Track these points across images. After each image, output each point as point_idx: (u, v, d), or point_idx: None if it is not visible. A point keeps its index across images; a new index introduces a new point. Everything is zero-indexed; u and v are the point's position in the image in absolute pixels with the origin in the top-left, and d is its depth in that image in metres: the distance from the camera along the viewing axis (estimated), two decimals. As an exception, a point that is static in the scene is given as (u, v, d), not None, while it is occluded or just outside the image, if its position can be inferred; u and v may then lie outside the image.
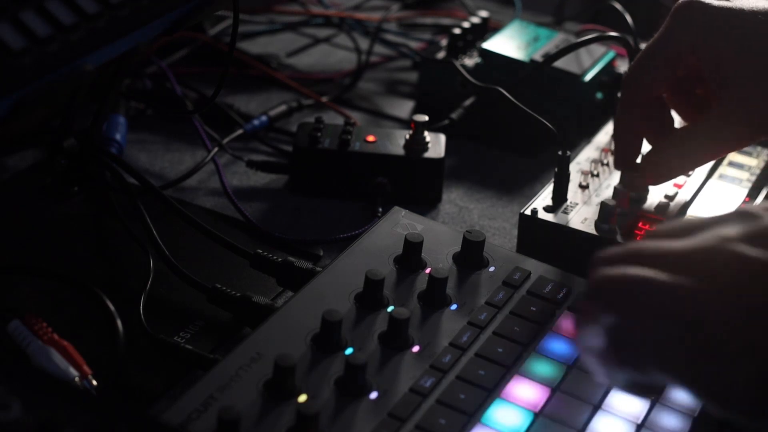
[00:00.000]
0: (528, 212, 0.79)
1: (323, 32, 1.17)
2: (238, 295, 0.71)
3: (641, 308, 0.50)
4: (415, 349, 0.64)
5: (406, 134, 0.87)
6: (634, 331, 0.50)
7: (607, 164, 0.85)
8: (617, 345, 0.51)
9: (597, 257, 0.53)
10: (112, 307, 0.69)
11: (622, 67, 0.98)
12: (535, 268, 0.72)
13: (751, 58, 0.73)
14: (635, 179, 0.80)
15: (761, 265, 0.49)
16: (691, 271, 0.50)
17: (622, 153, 0.80)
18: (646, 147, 0.81)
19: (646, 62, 0.77)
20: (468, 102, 0.95)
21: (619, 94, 0.90)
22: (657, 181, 0.80)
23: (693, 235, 0.52)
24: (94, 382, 0.64)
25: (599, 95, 0.98)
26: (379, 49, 1.12)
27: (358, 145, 0.87)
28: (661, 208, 0.79)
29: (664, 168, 0.78)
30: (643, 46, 1.01)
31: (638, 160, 0.81)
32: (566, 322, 0.68)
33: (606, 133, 0.90)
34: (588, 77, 0.95)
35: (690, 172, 0.84)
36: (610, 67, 0.99)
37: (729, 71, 0.74)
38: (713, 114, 0.75)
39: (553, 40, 0.99)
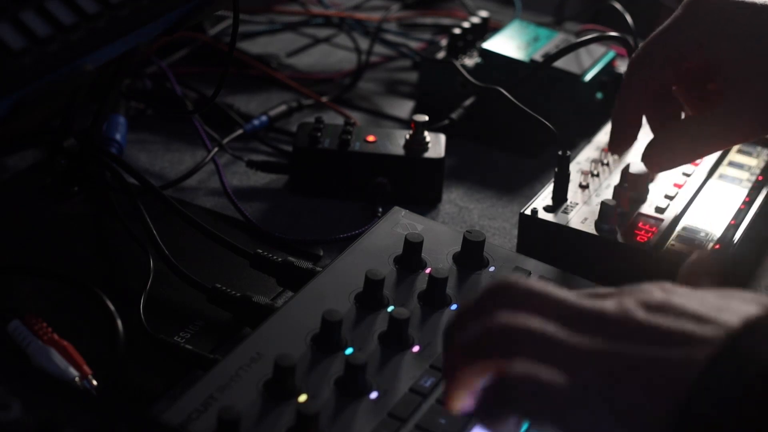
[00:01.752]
0: (528, 212, 0.79)
1: (323, 32, 1.17)
2: (238, 295, 0.71)
3: (537, 360, 0.49)
4: (415, 349, 0.64)
5: (406, 134, 0.87)
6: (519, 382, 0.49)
7: (607, 164, 0.85)
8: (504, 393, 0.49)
9: (492, 288, 0.52)
10: (112, 307, 0.69)
11: (622, 67, 0.98)
12: (535, 268, 0.72)
13: (756, 55, 0.73)
14: (635, 178, 0.80)
15: (660, 328, 0.48)
16: (593, 330, 0.49)
17: (616, 137, 0.81)
18: (645, 139, 0.81)
19: (648, 51, 0.78)
20: (468, 102, 0.95)
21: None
22: (661, 168, 0.80)
23: (591, 298, 0.51)
24: (94, 382, 0.64)
25: (599, 95, 0.98)
26: (379, 49, 1.12)
27: (358, 145, 0.87)
28: (661, 208, 0.79)
29: (669, 155, 0.78)
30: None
31: (631, 148, 0.82)
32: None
33: (606, 133, 0.90)
34: (588, 77, 0.95)
35: (695, 163, 0.83)
36: (610, 67, 0.99)
37: (736, 68, 0.74)
38: (721, 110, 0.75)
39: (553, 40, 0.99)
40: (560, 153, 0.80)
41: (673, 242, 0.77)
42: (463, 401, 0.51)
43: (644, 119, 0.81)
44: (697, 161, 0.86)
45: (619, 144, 0.81)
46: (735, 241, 0.77)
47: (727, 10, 0.75)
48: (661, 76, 0.78)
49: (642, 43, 0.78)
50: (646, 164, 0.80)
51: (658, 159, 0.79)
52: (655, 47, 0.77)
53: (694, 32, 0.75)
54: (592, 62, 0.96)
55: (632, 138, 0.81)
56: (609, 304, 0.50)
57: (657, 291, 0.51)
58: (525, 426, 0.60)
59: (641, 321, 0.49)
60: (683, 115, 0.82)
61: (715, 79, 0.76)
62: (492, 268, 0.71)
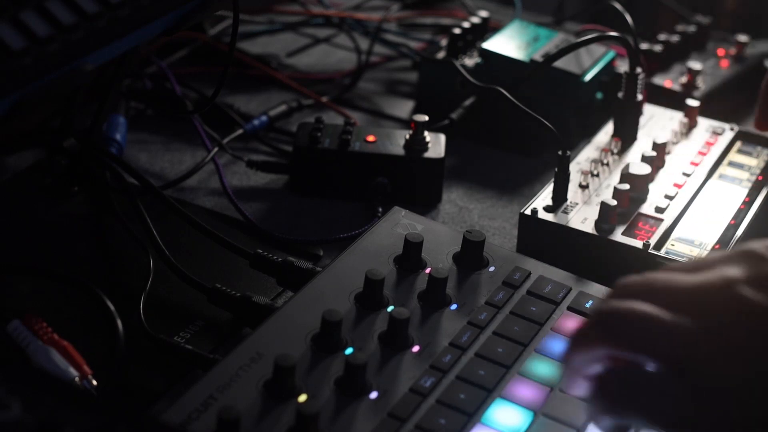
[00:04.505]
0: (528, 212, 0.79)
1: (323, 32, 1.17)
2: (238, 295, 0.71)
3: (638, 344, 0.52)
4: (415, 349, 0.64)
5: (406, 134, 0.87)
6: (624, 371, 0.52)
7: (607, 164, 0.85)
8: (608, 382, 0.53)
9: (615, 286, 0.55)
10: (112, 307, 0.69)
11: (622, 67, 0.98)
12: (535, 268, 0.72)
13: None
14: (635, 179, 0.80)
15: (761, 310, 0.50)
16: (693, 310, 0.51)
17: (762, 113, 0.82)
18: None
19: None
20: (468, 102, 0.95)
21: (619, 94, 0.90)
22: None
23: (701, 272, 0.53)
24: (94, 382, 0.64)
25: (599, 95, 0.98)
26: (379, 49, 1.12)
27: (358, 145, 0.87)
28: (661, 208, 0.79)
29: None
30: (643, 46, 1.01)
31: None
32: (568, 322, 0.68)
33: (606, 133, 0.90)
34: (588, 77, 0.95)
35: (694, 163, 0.83)
36: (610, 67, 0.99)
37: None
38: None
39: (553, 40, 0.99)
40: (560, 153, 0.80)
41: (673, 242, 0.77)
42: (576, 385, 0.55)
43: None
44: (697, 161, 0.86)
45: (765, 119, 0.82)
46: (735, 241, 0.77)
47: None
48: None
49: None
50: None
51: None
52: None
53: None
54: (592, 62, 0.96)
55: None
56: (714, 278, 0.52)
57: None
58: (525, 426, 0.60)
59: (746, 301, 0.50)
60: None
61: None
62: (492, 268, 0.71)
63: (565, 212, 0.79)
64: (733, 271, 0.52)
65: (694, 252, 0.75)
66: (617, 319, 0.52)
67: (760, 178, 0.85)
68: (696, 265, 0.54)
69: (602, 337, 0.53)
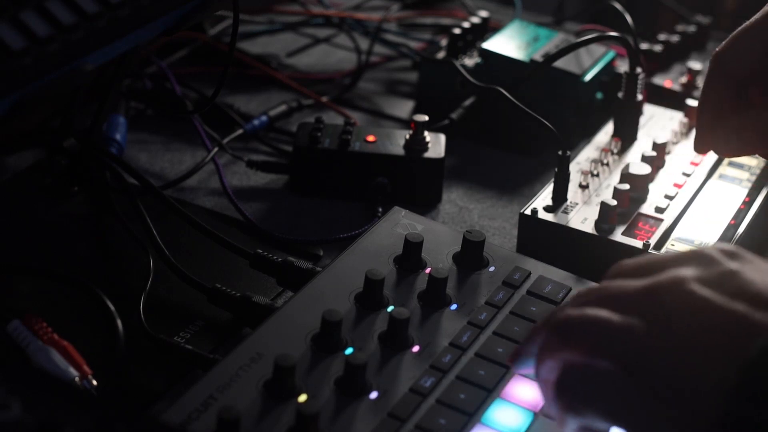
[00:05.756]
0: (528, 212, 0.79)
1: (323, 32, 1.17)
2: (238, 295, 0.71)
3: (591, 347, 0.53)
4: (415, 349, 0.64)
5: (406, 134, 0.87)
6: (579, 372, 0.54)
7: (607, 164, 0.85)
8: (564, 384, 0.54)
9: (572, 296, 0.57)
10: (112, 307, 0.69)
11: (622, 67, 0.98)
12: (535, 268, 0.72)
13: None
14: (635, 179, 0.80)
15: (710, 306, 0.51)
16: (644, 310, 0.52)
17: (702, 136, 0.79)
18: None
19: (733, 46, 0.76)
20: (468, 102, 0.95)
21: (619, 94, 0.90)
22: (700, 150, 0.80)
23: (653, 274, 0.54)
24: (94, 382, 0.64)
25: (599, 95, 0.98)
26: (379, 49, 1.12)
27: (358, 145, 0.87)
28: (661, 208, 0.79)
29: (711, 138, 0.78)
30: (643, 46, 1.01)
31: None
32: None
33: (606, 133, 0.90)
34: (588, 77, 0.95)
35: (694, 163, 0.83)
36: (610, 67, 0.99)
37: None
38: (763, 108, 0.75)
39: (553, 40, 0.99)
40: (560, 153, 0.80)
41: (673, 242, 0.77)
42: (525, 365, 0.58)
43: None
44: (697, 161, 0.86)
45: (705, 144, 0.80)
46: (735, 241, 0.77)
47: None
48: (746, 69, 0.76)
49: (730, 36, 0.77)
50: (697, 145, 0.79)
51: (709, 142, 0.78)
52: (743, 39, 0.76)
53: None
54: (592, 62, 0.96)
55: (718, 134, 0.79)
56: (664, 278, 0.53)
57: (721, 258, 0.53)
58: (525, 426, 0.60)
59: (696, 296, 0.51)
60: None
61: None
62: (492, 268, 0.71)
63: (565, 212, 0.79)
64: (684, 271, 0.53)
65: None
66: (571, 326, 0.54)
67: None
68: (649, 266, 0.55)
69: (561, 344, 0.55)
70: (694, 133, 0.81)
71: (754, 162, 0.87)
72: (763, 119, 0.76)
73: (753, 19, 0.76)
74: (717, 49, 0.78)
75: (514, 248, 0.80)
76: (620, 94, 0.90)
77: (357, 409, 0.59)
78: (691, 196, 0.82)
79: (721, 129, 0.78)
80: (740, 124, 0.77)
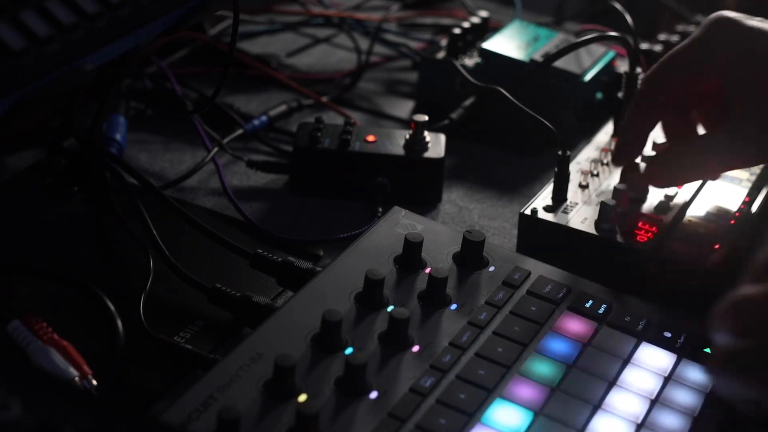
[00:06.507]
0: (528, 212, 0.79)
1: (323, 32, 1.17)
2: (238, 295, 0.71)
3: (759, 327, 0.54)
4: (415, 349, 0.64)
5: (406, 134, 0.87)
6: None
7: (607, 164, 0.85)
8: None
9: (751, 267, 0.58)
10: (112, 307, 0.69)
11: (622, 67, 0.98)
12: (535, 268, 0.72)
13: None
14: (637, 179, 0.80)
15: None
16: None
17: (624, 150, 0.81)
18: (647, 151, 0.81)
19: (667, 66, 0.77)
20: (468, 102, 0.95)
21: (619, 94, 0.90)
22: (661, 185, 0.80)
23: None
24: (94, 382, 0.64)
25: (599, 95, 0.98)
26: (379, 49, 1.12)
27: (358, 145, 0.87)
28: (661, 208, 0.79)
29: (669, 173, 0.78)
30: (643, 46, 1.01)
31: (637, 160, 0.81)
32: (568, 322, 0.68)
33: (606, 133, 0.90)
34: (588, 77, 0.95)
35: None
36: (610, 67, 0.99)
37: (749, 90, 0.73)
38: (725, 128, 0.75)
39: (553, 40, 0.99)
40: (560, 153, 0.80)
41: (673, 242, 0.77)
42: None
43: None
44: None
45: (624, 158, 0.81)
46: (735, 241, 0.77)
47: (749, 36, 0.74)
48: (674, 94, 0.78)
49: (659, 61, 0.78)
50: (648, 178, 0.80)
51: (661, 174, 0.79)
52: (671, 65, 0.77)
53: (713, 54, 0.75)
54: (592, 62, 0.96)
55: (638, 152, 0.81)
56: None
57: None
58: (525, 426, 0.60)
59: None
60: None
61: (726, 101, 0.76)
62: (492, 268, 0.71)
63: (565, 212, 0.79)
64: None
65: (695, 252, 0.75)
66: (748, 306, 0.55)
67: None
68: None
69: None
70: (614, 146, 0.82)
71: (755, 166, 0.87)
72: (714, 142, 0.76)
73: (682, 45, 0.77)
74: (647, 72, 0.79)
75: (514, 248, 0.80)
76: (620, 94, 0.90)
77: (357, 409, 0.59)
78: (691, 196, 0.82)
79: (662, 161, 0.79)
80: (690, 153, 0.77)
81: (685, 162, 0.77)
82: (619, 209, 0.78)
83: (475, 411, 0.60)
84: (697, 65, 0.76)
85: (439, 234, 0.74)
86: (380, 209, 0.84)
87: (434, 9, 1.22)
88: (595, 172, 0.83)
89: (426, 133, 0.87)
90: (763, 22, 0.75)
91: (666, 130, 0.81)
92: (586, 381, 0.63)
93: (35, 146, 0.89)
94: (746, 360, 0.54)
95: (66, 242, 0.80)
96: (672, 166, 0.78)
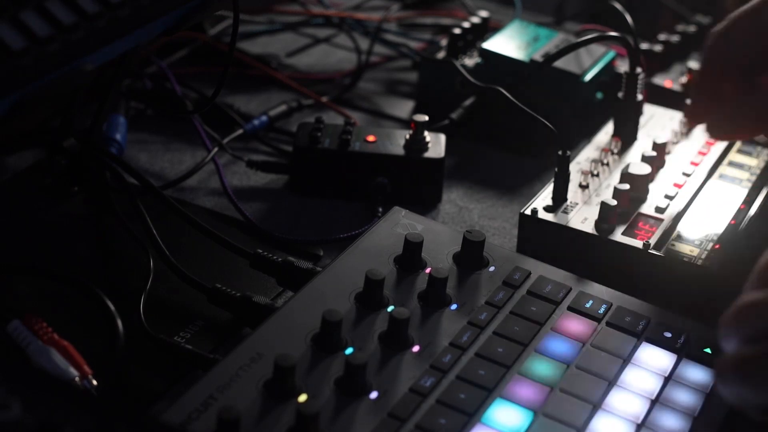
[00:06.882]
0: (528, 212, 0.79)
1: (323, 32, 1.17)
2: (238, 295, 0.71)
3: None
4: (415, 349, 0.64)
5: (406, 134, 0.87)
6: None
7: (607, 164, 0.85)
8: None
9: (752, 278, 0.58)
10: (112, 307, 0.69)
11: (622, 67, 0.98)
12: (535, 268, 0.72)
13: None
14: (635, 179, 0.80)
15: None
16: None
17: (697, 108, 0.78)
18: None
19: (739, 23, 0.75)
20: (468, 102, 0.95)
21: (619, 94, 0.90)
22: (719, 137, 0.79)
23: None
24: (94, 382, 0.64)
25: (599, 95, 0.98)
26: (379, 49, 1.12)
27: (358, 145, 0.87)
28: (661, 208, 0.79)
29: (728, 126, 0.77)
30: (643, 46, 1.01)
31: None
32: (568, 322, 0.68)
33: (606, 133, 0.90)
34: (588, 77, 0.95)
35: (694, 162, 0.82)
36: (610, 67, 0.99)
37: None
38: None
39: (553, 40, 0.99)
40: (560, 153, 0.80)
41: (673, 242, 0.77)
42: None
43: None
44: (697, 161, 0.86)
45: (698, 115, 0.78)
46: (735, 241, 0.77)
47: None
48: (745, 51, 0.75)
49: (728, 17, 0.76)
50: (708, 131, 0.78)
51: (718, 127, 0.77)
52: (743, 21, 0.75)
53: None
54: (592, 62, 0.96)
55: (712, 111, 0.78)
56: None
57: None
58: (525, 426, 0.60)
59: None
60: None
61: None
62: (492, 268, 0.71)
63: (565, 212, 0.79)
64: None
65: (695, 252, 0.75)
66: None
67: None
68: None
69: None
70: (689, 102, 0.80)
71: (754, 162, 0.87)
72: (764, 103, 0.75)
73: (752, 3, 0.76)
74: (716, 28, 0.77)
75: (514, 248, 0.80)
76: (620, 94, 0.90)
77: (357, 409, 0.59)
78: (691, 196, 0.82)
79: (720, 111, 0.77)
80: (740, 107, 0.76)
81: (750, 114, 0.75)
82: (619, 209, 0.78)
83: (475, 411, 0.60)
84: (758, 24, 0.74)
85: (439, 234, 0.74)
86: (380, 209, 0.84)
87: (434, 9, 1.22)
88: (595, 172, 0.83)
89: (426, 133, 0.87)
90: None
91: (728, 94, 0.77)
92: (586, 381, 0.63)
93: (35, 146, 0.89)
94: (753, 366, 0.54)
95: (66, 242, 0.80)
96: (728, 120, 0.76)
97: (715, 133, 0.78)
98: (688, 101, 0.81)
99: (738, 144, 0.89)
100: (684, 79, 1.00)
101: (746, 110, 0.76)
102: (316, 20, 1.17)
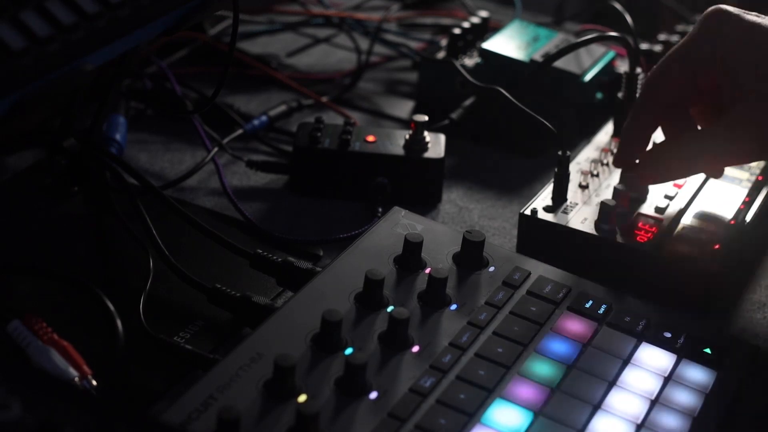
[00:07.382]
0: (528, 212, 0.79)
1: (323, 32, 1.17)
2: (238, 295, 0.71)
3: None
4: (415, 349, 0.64)
5: (406, 134, 0.87)
6: None
7: (607, 164, 0.85)
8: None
9: None
10: (112, 307, 0.69)
11: (622, 67, 0.98)
12: (535, 268, 0.72)
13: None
14: (636, 179, 0.80)
15: None
16: None
17: (625, 152, 0.80)
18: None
19: (667, 65, 0.77)
20: (468, 102, 0.95)
21: (619, 94, 0.90)
22: (652, 181, 0.80)
23: None
24: (94, 382, 0.64)
25: (599, 95, 0.98)
26: (379, 49, 1.12)
27: (358, 145, 0.87)
28: (661, 208, 0.79)
29: (661, 169, 0.78)
30: (643, 46, 1.01)
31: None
32: (568, 323, 0.68)
33: (606, 133, 0.90)
34: (588, 77, 0.95)
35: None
36: (610, 67, 0.99)
37: (745, 85, 0.73)
38: (721, 123, 0.75)
39: (553, 40, 0.99)
40: (560, 153, 0.80)
41: (673, 242, 0.77)
42: None
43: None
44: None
45: (626, 160, 0.81)
46: (734, 241, 0.77)
47: (748, 29, 0.74)
48: (674, 94, 0.77)
49: (659, 62, 0.78)
50: (640, 175, 0.79)
51: (652, 171, 0.78)
52: (670, 63, 0.77)
53: (712, 46, 0.74)
54: (592, 62, 0.96)
55: (639, 155, 0.80)
56: None
57: None
58: (525, 426, 0.60)
59: None
60: None
61: (724, 93, 0.75)
62: (492, 268, 0.71)
63: (565, 212, 0.79)
64: None
65: (695, 252, 0.75)
66: None
67: (760, 177, 0.84)
68: None
69: None
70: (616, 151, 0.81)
71: (754, 162, 0.87)
72: (711, 136, 0.76)
73: (681, 42, 0.77)
74: (648, 74, 0.78)
75: (514, 248, 0.80)
76: (620, 94, 0.90)
77: (357, 409, 0.59)
78: (691, 196, 0.82)
79: (651, 156, 0.79)
80: (687, 147, 0.77)
81: (683, 155, 0.77)
82: (619, 209, 0.78)
83: (475, 411, 0.60)
84: (696, 60, 0.75)
85: (439, 234, 0.74)
86: (380, 209, 0.84)
87: (434, 9, 1.22)
88: (595, 172, 0.83)
89: (426, 133, 0.87)
90: (759, 17, 0.75)
91: (666, 131, 0.81)
92: (586, 381, 0.63)
93: (35, 146, 0.89)
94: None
95: (66, 242, 0.80)
96: (670, 160, 0.77)
97: (658, 179, 0.80)
98: (616, 148, 0.82)
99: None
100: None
101: (679, 152, 0.77)
102: (316, 20, 1.17)
